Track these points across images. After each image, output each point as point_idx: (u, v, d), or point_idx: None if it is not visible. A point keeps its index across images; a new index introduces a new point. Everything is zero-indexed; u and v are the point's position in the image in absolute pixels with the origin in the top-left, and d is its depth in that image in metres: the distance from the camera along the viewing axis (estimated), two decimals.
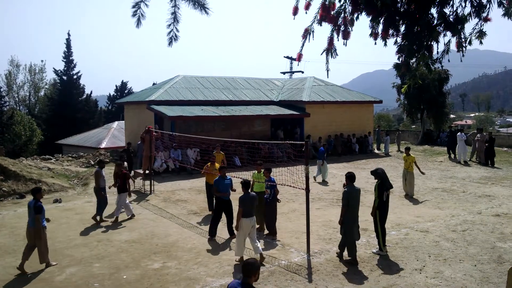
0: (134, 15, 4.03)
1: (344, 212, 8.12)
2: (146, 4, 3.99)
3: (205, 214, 11.97)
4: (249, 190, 8.66)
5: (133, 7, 3.99)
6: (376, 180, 8.67)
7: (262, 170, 10.17)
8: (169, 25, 4.07)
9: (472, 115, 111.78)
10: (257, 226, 9.50)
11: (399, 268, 7.82)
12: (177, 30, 4.10)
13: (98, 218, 11.29)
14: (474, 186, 15.57)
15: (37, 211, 8.09)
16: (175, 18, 4.03)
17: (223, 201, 9.73)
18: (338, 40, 4.73)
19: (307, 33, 4.75)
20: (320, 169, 16.63)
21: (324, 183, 16.24)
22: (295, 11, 4.60)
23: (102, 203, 11.39)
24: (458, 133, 22.08)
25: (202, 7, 3.91)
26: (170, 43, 4.19)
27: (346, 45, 4.76)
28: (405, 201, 13.41)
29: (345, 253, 8.36)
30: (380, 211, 8.67)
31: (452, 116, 76.60)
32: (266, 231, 10.16)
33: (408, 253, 8.58)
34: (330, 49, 4.80)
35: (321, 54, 4.84)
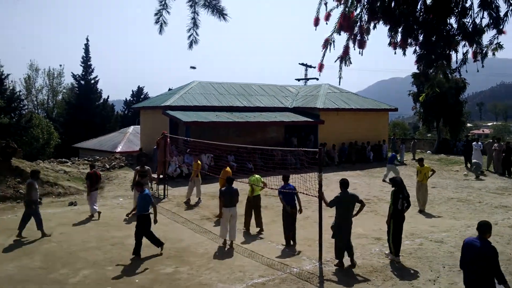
0: (156, 22, 4.16)
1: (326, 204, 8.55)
2: (168, 12, 4.13)
3: (218, 219, 12.00)
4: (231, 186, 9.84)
5: (155, 14, 4.13)
6: (393, 188, 8.70)
7: (256, 175, 11.13)
8: (189, 29, 4.20)
9: (490, 124, 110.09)
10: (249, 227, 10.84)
11: (413, 279, 7.74)
12: (197, 34, 4.24)
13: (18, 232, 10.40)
14: (490, 197, 15.32)
15: None
16: (194, 23, 4.15)
17: (253, 198, 10.80)
18: (354, 49, 4.77)
19: (328, 43, 4.80)
20: (392, 172, 17.65)
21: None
22: (317, 22, 4.66)
23: (28, 217, 10.48)
24: (474, 143, 21.77)
25: (221, 14, 4.02)
26: (190, 46, 4.35)
27: (362, 54, 4.79)
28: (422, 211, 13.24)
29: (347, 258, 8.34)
30: (395, 219, 8.63)
31: (469, 125, 75.55)
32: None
33: (422, 264, 8.48)
34: (344, 57, 4.83)
35: (335, 61, 4.87)
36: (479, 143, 21.88)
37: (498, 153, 20.69)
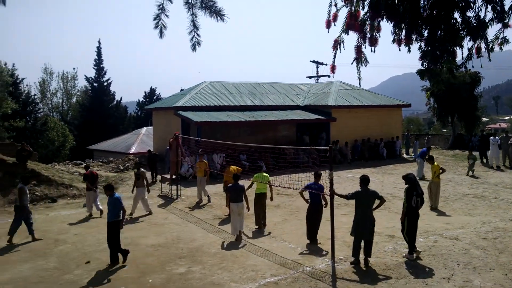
0: (156, 26, 4.17)
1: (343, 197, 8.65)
2: (166, 15, 4.13)
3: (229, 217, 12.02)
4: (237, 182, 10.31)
5: (154, 19, 4.14)
6: (406, 185, 8.61)
7: (263, 173, 11.29)
8: (190, 31, 4.21)
9: (507, 118, 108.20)
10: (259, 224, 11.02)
11: (427, 276, 7.63)
12: (199, 36, 4.25)
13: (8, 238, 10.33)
14: (506, 192, 15.05)
15: None
16: (194, 26, 4.15)
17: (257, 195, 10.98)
18: (365, 48, 4.74)
19: (337, 43, 4.78)
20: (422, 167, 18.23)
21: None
22: (328, 24, 4.65)
23: (19, 222, 10.48)
24: (491, 137, 21.40)
25: (218, 14, 4.02)
26: (194, 49, 4.35)
27: (374, 52, 4.75)
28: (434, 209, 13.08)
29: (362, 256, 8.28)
30: (409, 217, 8.55)
31: (485, 119, 74.41)
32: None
33: (436, 261, 8.36)
34: (359, 58, 4.80)
35: (352, 63, 4.85)
36: (496, 137, 21.50)
37: None
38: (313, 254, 9.05)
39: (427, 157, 15.33)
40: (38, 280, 7.99)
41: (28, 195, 10.92)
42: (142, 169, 13.29)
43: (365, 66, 4.90)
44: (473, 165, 18.98)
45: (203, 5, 4.05)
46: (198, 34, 4.21)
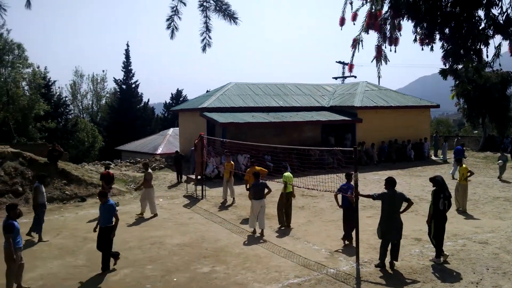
0: (168, 27, 4.26)
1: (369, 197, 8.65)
2: (179, 17, 4.22)
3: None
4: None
5: (167, 20, 4.23)
6: (434, 187, 8.46)
7: (288, 173, 11.47)
8: (202, 33, 4.29)
9: None
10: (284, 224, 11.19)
11: (454, 281, 7.47)
12: (210, 38, 4.34)
13: (36, 236, 10.50)
14: None
15: (6, 230, 7.21)
16: (207, 28, 4.23)
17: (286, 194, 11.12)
18: (385, 47, 4.69)
19: (356, 42, 4.75)
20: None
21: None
22: (342, 22, 4.64)
23: (40, 220, 10.55)
24: None
25: (231, 18, 4.07)
26: (204, 50, 4.43)
27: (395, 51, 4.70)
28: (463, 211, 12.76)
29: (388, 258, 8.14)
30: (436, 220, 8.38)
31: None
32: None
33: (464, 265, 8.17)
34: (379, 57, 4.76)
35: (371, 61, 4.82)
36: None
37: None
38: (338, 256, 8.98)
39: (458, 157, 15.00)
40: (67, 276, 8.22)
41: (45, 194, 11.04)
42: (149, 170, 13.45)
43: (386, 64, 4.85)
44: (504, 167, 18.31)
45: (217, 8, 4.11)
46: (209, 36, 4.30)
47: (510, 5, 3.86)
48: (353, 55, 4.79)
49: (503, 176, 18.16)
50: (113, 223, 8.53)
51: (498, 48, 3.99)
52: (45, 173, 13.17)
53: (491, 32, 3.81)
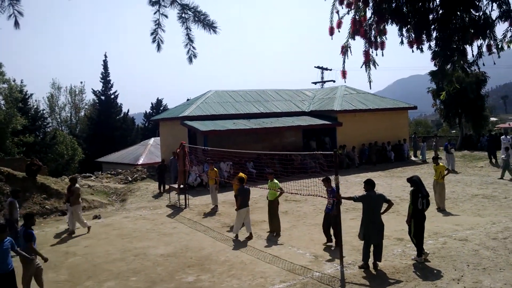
0: (153, 41, 4.29)
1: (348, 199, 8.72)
2: (163, 30, 4.27)
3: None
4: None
5: (152, 34, 4.27)
6: (412, 187, 8.61)
7: (274, 179, 11.30)
8: (186, 45, 4.32)
9: None
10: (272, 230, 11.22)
11: (436, 278, 7.59)
12: (194, 48, 4.39)
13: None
14: None
15: (27, 239, 7.50)
16: (189, 39, 4.27)
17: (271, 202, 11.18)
18: (372, 52, 4.80)
19: (345, 49, 4.86)
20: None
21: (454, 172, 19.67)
22: (331, 31, 4.74)
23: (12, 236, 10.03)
24: (502, 137, 21.21)
25: (210, 27, 4.13)
26: (190, 61, 4.46)
27: (383, 55, 4.82)
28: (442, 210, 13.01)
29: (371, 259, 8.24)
30: (415, 219, 8.52)
31: (494, 119, 73.84)
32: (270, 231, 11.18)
33: (445, 263, 8.32)
34: (368, 62, 4.86)
35: (361, 67, 4.93)
36: (508, 137, 21.28)
37: None
38: (322, 259, 9.04)
39: (443, 152, 15.52)
40: None
41: (18, 210, 10.82)
42: (77, 185, 12.56)
43: (375, 68, 4.96)
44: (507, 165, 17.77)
45: (196, 19, 4.16)
46: (193, 47, 4.34)
47: (487, 7, 4.01)
48: (343, 61, 4.89)
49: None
50: (10, 269, 7.01)
51: (480, 48, 4.14)
52: (19, 188, 12.59)
53: (472, 32, 3.96)
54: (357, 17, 4.64)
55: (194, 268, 8.95)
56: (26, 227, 7.67)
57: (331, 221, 9.74)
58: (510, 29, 4.09)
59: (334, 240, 9.89)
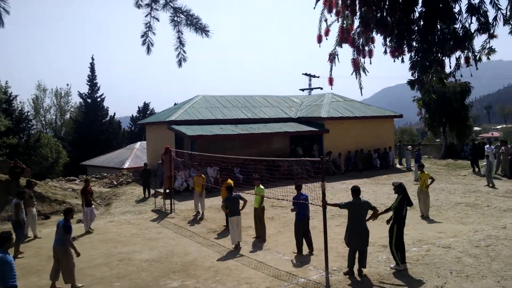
0: (143, 43, 4.28)
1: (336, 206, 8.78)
2: (153, 33, 4.26)
3: (225, 232, 12.02)
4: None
5: (142, 36, 4.26)
6: (398, 194, 8.71)
7: (261, 185, 11.32)
8: (177, 48, 4.33)
9: (499, 127, 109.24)
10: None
11: (419, 285, 7.67)
12: (184, 52, 4.37)
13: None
14: (499, 200, 15.18)
15: (66, 230, 8.20)
16: (180, 42, 4.27)
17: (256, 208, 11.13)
18: (360, 61, 4.88)
19: (332, 57, 4.92)
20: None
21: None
22: (320, 39, 4.80)
23: (20, 236, 10.59)
24: (486, 146, 21.56)
25: (203, 30, 4.14)
26: (180, 65, 4.46)
27: (371, 63, 4.89)
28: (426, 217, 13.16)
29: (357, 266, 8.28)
30: (398, 225, 8.61)
31: (477, 128, 75.05)
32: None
33: (429, 270, 8.41)
34: (357, 69, 4.93)
35: (351, 74, 5.00)
36: (492, 146, 21.62)
37: (506, 156, 20.53)
38: (307, 266, 9.06)
39: (420, 164, 15.63)
40: None
41: (24, 210, 10.99)
42: (25, 189, 12.27)
43: (366, 75, 5.04)
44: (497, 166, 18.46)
45: (188, 22, 4.17)
46: (184, 51, 4.34)
47: (466, 19, 4.11)
48: (331, 69, 4.96)
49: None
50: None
51: (458, 59, 4.23)
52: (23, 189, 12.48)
53: (451, 44, 4.05)
54: (344, 25, 4.72)
55: (179, 273, 8.89)
56: (66, 220, 8.36)
57: (306, 227, 9.87)
58: (488, 41, 4.21)
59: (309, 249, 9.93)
